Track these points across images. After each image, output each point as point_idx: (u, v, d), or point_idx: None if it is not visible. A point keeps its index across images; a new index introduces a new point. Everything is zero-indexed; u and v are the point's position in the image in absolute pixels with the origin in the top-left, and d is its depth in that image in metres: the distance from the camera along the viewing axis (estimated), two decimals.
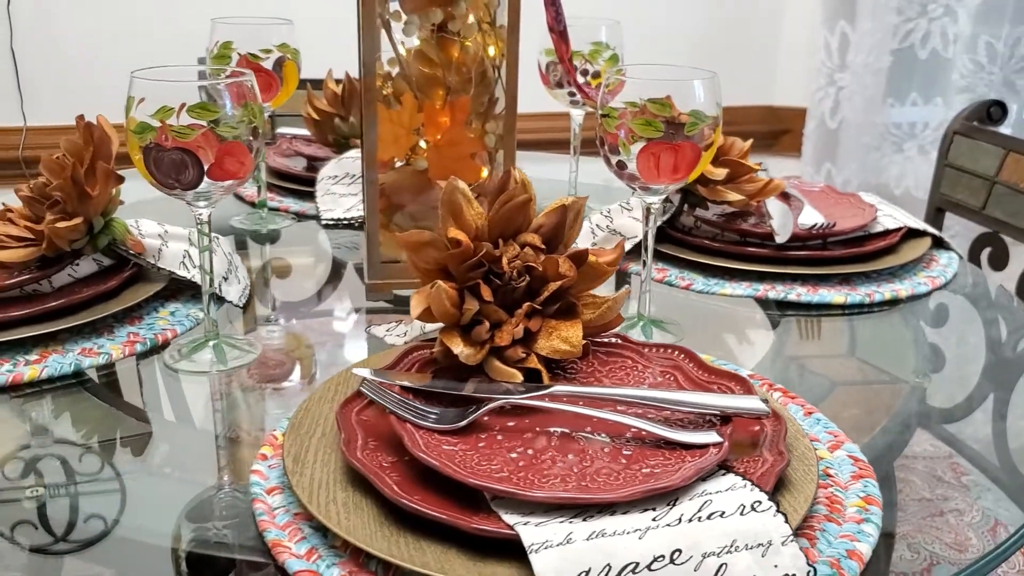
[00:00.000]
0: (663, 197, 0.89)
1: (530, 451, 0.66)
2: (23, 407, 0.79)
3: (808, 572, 0.56)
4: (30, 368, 0.82)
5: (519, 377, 0.72)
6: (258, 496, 0.65)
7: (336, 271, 1.13)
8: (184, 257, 0.97)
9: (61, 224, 0.89)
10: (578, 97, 1.25)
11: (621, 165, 0.86)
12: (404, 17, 0.92)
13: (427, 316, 0.74)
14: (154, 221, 1.02)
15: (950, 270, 1.11)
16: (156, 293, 0.95)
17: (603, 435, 0.68)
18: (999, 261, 1.39)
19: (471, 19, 0.94)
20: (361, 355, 0.91)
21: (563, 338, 0.75)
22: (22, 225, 0.92)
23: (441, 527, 0.59)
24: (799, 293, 1.02)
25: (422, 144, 0.99)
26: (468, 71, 0.96)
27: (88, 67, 2.15)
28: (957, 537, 0.78)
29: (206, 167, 0.77)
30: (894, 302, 1.03)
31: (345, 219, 1.23)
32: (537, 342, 0.75)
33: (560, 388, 0.70)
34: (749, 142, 1.12)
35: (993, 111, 1.46)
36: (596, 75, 1.25)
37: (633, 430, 0.68)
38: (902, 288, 1.05)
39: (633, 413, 0.70)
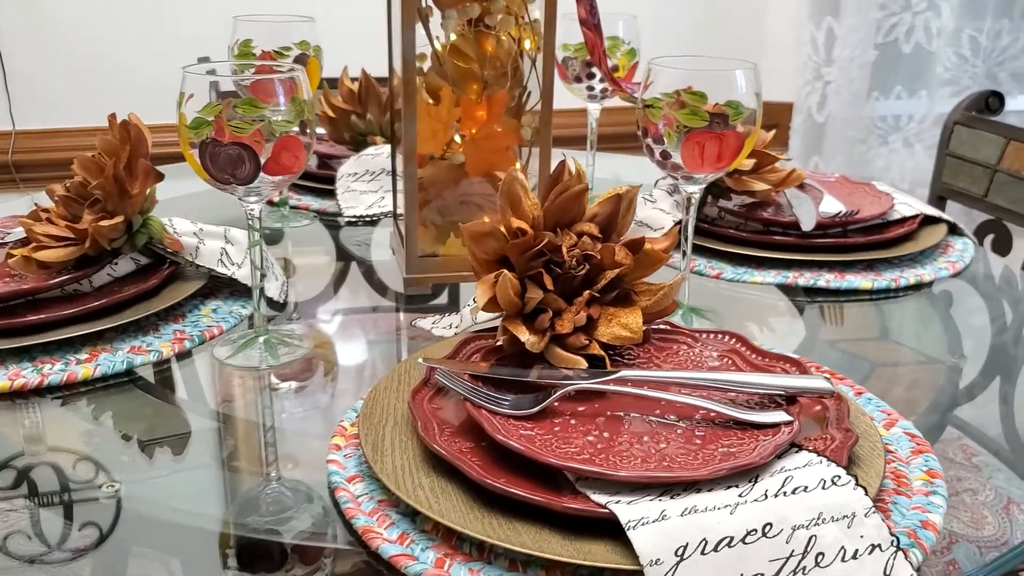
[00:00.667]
0: (704, 186, 0.90)
1: (605, 434, 0.67)
2: (79, 405, 0.79)
3: (892, 541, 0.57)
4: (83, 367, 0.82)
5: (583, 363, 0.73)
6: (340, 485, 0.65)
7: (366, 267, 1.13)
8: (222, 255, 0.97)
9: (104, 223, 0.89)
10: (596, 92, 1.27)
11: (665, 155, 0.87)
12: (442, 12, 0.93)
13: (492, 306, 0.74)
14: (187, 219, 1.02)
15: (967, 255, 1.14)
16: (195, 291, 0.95)
17: (673, 417, 0.69)
18: (1003, 247, 1.42)
19: (507, 13, 0.95)
20: (409, 348, 0.92)
21: (623, 324, 0.76)
22: (62, 225, 0.92)
23: (528, 508, 0.60)
24: (827, 279, 1.04)
25: (456, 139, 0.99)
26: (503, 65, 0.97)
27: (81, 69, 2.12)
28: (974, 516, 0.80)
29: (262, 161, 0.77)
30: (918, 287, 1.05)
31: (367, 216, 1.23)
32: (597, 329, 0.76)
33: (628, 373, 0.72)
34: (772, 132, 1.14)
35: (991, 101, 1.50)
36: (615, 69, 1.26)
37: (702, 411, 0.69)
38: (925, 273, 1.07)
39: (697, 396, 0.71)
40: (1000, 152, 1.42)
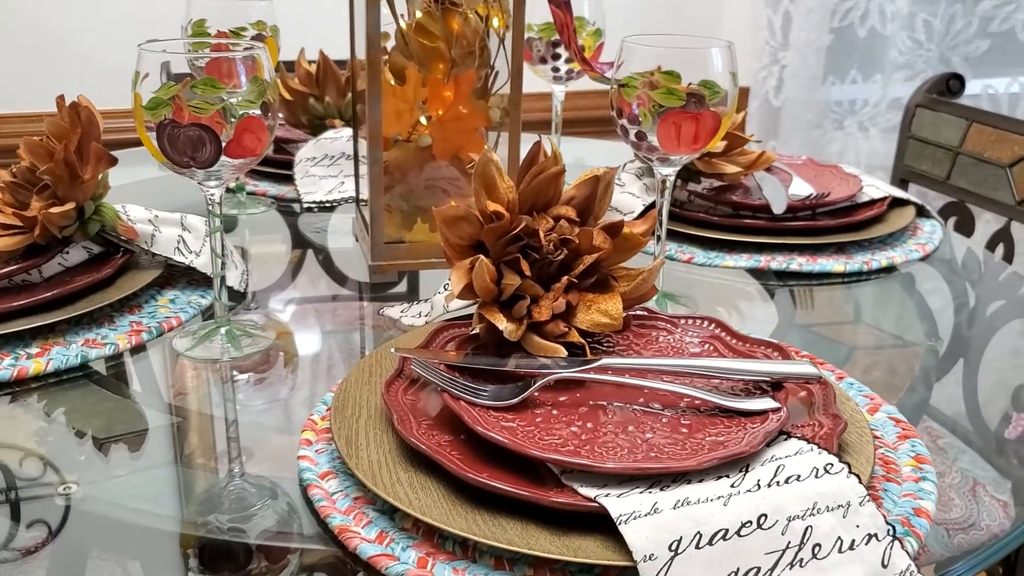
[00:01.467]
0: (678, 168, 0.88)
1: (589, 424, 0.65)
2: (29, 402, 0.75)
3: (888, 530, 0.56)
4: (34, 362, 0.77)
5: (563, 352, 0.71)
6: (312, 482, 0.62)
7: (326, 254, 1.10)
8: (179, 243, 0.93)
9: (55, 210, 0.85)
10: (562, 72, 1.24)
11: (640, 136, 0.85)
12: None
13: (467, 293, 0.72)
14: (141, 206, 0.98)
15: (936, 237, 1.13)
16: (151, 281, 0.91)
17: (657, 406, 0.67)
18: (966, 228, 1.43)
19: None
20: (374, 338, 0.88)
21: (602, 311, 0.73)
22: (8, 212, 0.87)
23: (513, 503, 0.57)
24: (800, 263, 1.03)
25: (422, 120, 0.96)
26: (470, 44, 0.94)
27: (28, 52, 2.04)
28: (941, 498, 0.79)
29: (223, 144, 0.74)
30: (890, 269, 1.05)
31: (327, 201, 1.19)
32: (576, 316, 0.74)
33: (609, 361, 0.69)
34: (743, 114, 1.12)
35: (952, 83, 1.50)
36: (580, 49, 1.24)
37: (687, 399, 0.67)
38: (896, 255, 1.06)
39: (680, 383, 0.69)
40: (963, 134, 1.42)
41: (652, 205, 1.09)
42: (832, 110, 2.40)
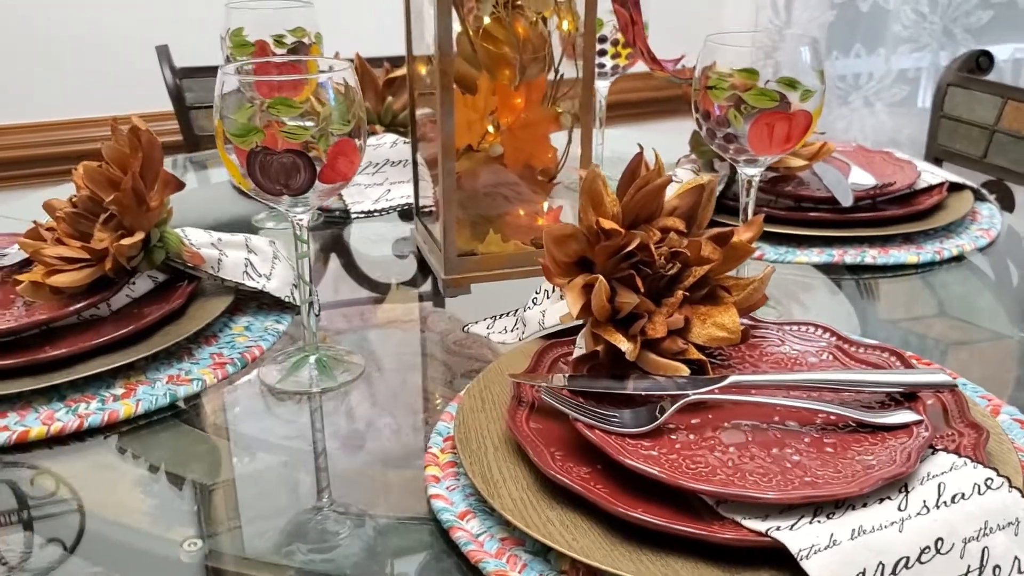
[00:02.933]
0: (764, 168, 0.86)
1: (732, 449, 0.63)
2: (122, 448, 0.71)
3: None
4: (123, 404, 0.74)
5: (685, 370, 0.69)
6: (453, 524, 0.60)
7: (386, 266, 1.07)
8: (246, 266, 0.89)
9: (126, 241, 0.81)
10: (607, 68, 1.21)
11: (729, 138, 0.82)
12: None
13: (584, 313, 0.69)
14: (201, 229, 0.94)
15: (996, 221, 1.12)
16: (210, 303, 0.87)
17: (793, 424, 0.65)
18: (1006, 206, 1.42)
19: None
20: (464, 357, 0.86)
21: (719, 324, 0.71)
22: (74, 245, 0.83)
23: (671, 538, 0.55)
24: (873, 256, 1.01)
25: (490, 129, 0.93)
26: (537, 49, 0.91)
27: (42, 65, 1.98)
28: None
29: (318, 169, 0.71)
30: (960, 257, 1.03)
31: (376, 211, 1.16)
32: (691, 331, 0.71)
33: (739, 378, 0.67)
34: None
35: (981, 61, 1.49)
36: (616, 43, 1.21)
37: (821, 416, 0.66)
38: (964, 243, 1.05)
39: (810, 398, 0.67)
40: (998, 112, 1.41)
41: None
42: (837, 86, 2.39)
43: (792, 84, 0.82)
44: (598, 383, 0.69)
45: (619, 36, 1.22)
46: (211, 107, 1.55)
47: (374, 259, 1.09)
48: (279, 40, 1.07)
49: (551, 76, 0.94)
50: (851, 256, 1.01)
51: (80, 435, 0.72)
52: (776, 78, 0.82)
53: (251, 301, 0.91)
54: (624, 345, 0.68)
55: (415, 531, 0.62)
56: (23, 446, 0.71)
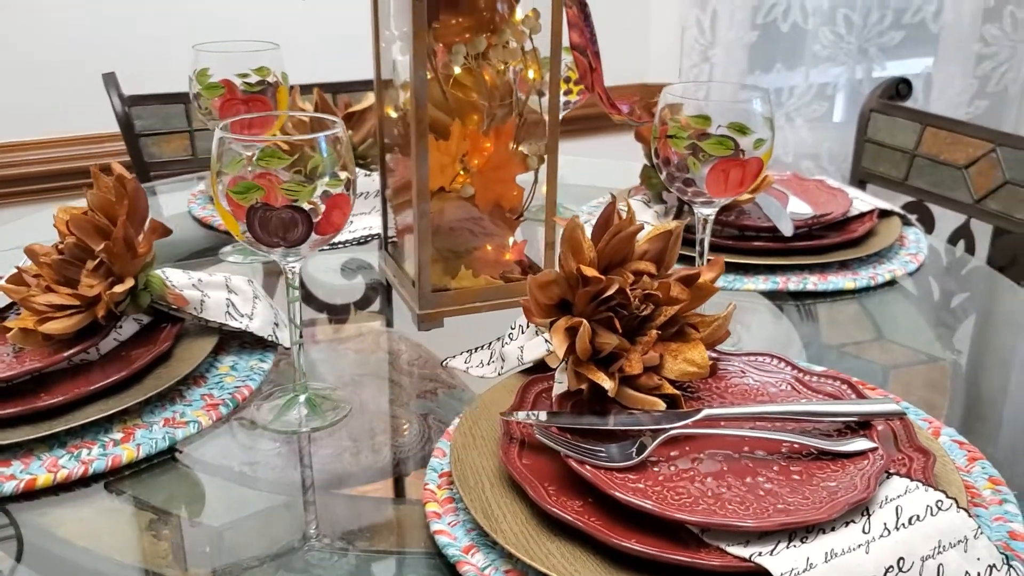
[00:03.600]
0: (718, 208, 0.93)
1: (709, 479, 0.69)
2: (125, 492, 0.74)
3: (1003, 559, 0.62)
4: (124, 449, 0.77)
5: (661, 405, 0.75)
6: (460, 558, 0.65)
7: (357, 299, 1.11)
8: (228, 306, 0.93)
9: (119, 288, 0.84)
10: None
11: (688, 182, 0.89)
12: (447, 48, 0.92)
13: (569, 352, 0.75)
14: (179, 270, 0.97)
15: (923, 245, 1.21)
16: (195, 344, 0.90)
17: (761, 453, 0.72)
18: (927, 227, 1.52)
19: (512, 44, 0.94)
20: (445, 392, 0.90)
21: (689, 360, 0.77)
22: (63, 292, 0.85)
23: (660, 565, 0.61)
24: (814, 282, 1.09)
25: (460, 172, 0.98)
26: (506, 96, 0.96)
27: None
28: None
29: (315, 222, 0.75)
30: (892, 282, 1.12)
31: (351, 241, 1.20)
32: (664, 367, 0.77)
33: (712, 411, 0.73)
34: None
35: (901, 88, 1.59)
36: (567, 80, 1.27)
37: (786, 445, 0.72)
38: (896, 267, 1.13)
39: (775, 429, 0.74)
40: (918, 137, 1.51)
41: None
42: None
43: (742, 129, 0.89)
44: (583, 419, 0.74)
45: (570, 74, 1.28)
46: (160, 134, 1.57)
47: (335, 287, 1.13)
48: (244, 79, 1.10)
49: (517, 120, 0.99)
50: (794, 283, 1.09)
51: (81, 481, 0.75)
52: (727, 123, 0.89)
53: (232, 340, 0.94)
54: (607, 384, 0.73)
55: (421, 565, 0.66)
56: (29, 494, 0.73)
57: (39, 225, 1.31)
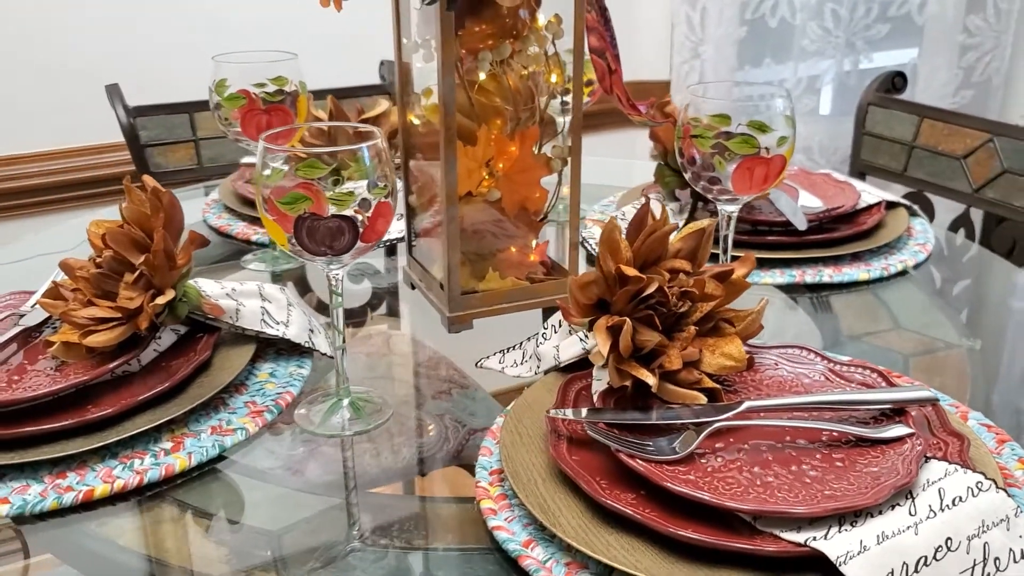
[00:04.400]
0: (740, 206, 0.95)
1: (756, 468, 0.71)
2: (177, 500, 0.75)
3: None
4: (176, 458, 0.78)
5: (702, 399, 0.77)
6: (521, 552, 0.67)
7: (385, 304, 1.12)
8: (263, 314, 0.94)
9: (161, 300, 0.85)
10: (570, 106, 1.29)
11: (714, 181, 0.91)
12: (474, 55, 0.93)
13: (613, 350, 0.77)
14: (211, 280, 0.98)
15: (930, 235, 1.24)
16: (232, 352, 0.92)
17: (803, 442, 0.74)
18: (927, 216, 1.55)
19: (534, 50, 0.96)
20: (463, 394, 0.92)
21: (727, 354, 0.80)
22: (104, 305, 0.87)
23: (718, 553, 0.63)
24: (830, 275, 1.11)
25: (485, 176, 1.00)
26: (529, 100, 0.98)
27: None
28: None
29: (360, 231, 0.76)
30: (903, 272, 1.15)
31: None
32: (703, 361, 0.80)
33: (753, 403, 0.76)
34: None
35: (896, 81, 1.62)
36: (589, 83, 1.29)
37: (825, 433, 0.74)
38: (907, 258, 1.16)
39: (812, 418, 0.76)
40: (915, 129, 1.54)
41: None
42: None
43: (762, 128, 0.91)
44: (627, 415, 0.76)
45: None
46: (166, 144, 1.58)
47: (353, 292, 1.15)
48: (262, 89, 1.11)
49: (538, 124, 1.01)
50: (810, 276, 1.11)
51: (135, 490, 0.76)
52: (747, 122, 0.91)
53: (268, 347, 0.96)
54: (650, 379, 0.75)
55: (480, 561, 0.68)
56: (87, 505, 0.74)
57: (54, 236, 1.32)
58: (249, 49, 1.16)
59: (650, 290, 0.77)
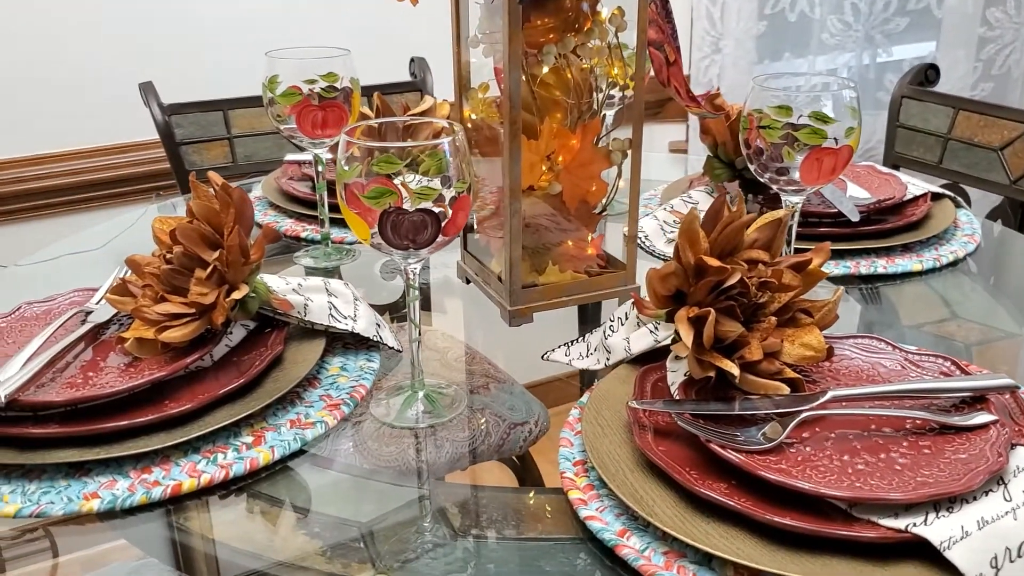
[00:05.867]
0: (805, 196, 0.95)
1: (845, 456, 0.71)
2: (263, 494, 0.76)
3: None
4: (260, 452, 0.78)
5: (786, 389, 0.77)
6: (618, 542, 0.67)
7: (440, 298, 1.13)
8: (331, 309, 0.94)
9: (236, 295, 0.85)
10: (615, 100, 1.29)
11: (781, 172, 0.91)
12: (538, 50, 0.94)
13: (696, 341, 0.77)
14: (275, 276, 0.98)
15: (976, 226, 1.24)
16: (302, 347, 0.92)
17: (888, 430, 0.74)
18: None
19: (596, 43, 0.96)
20: (500, 388, 0.92)
21: (806, 344, 0.80)
22: (176, 301, 0.87)
23: (813, 539, 0.64)
24: (884, 266, 1.12)
25: (544, 170, 1.00)
26: (588, 93, 0.98)
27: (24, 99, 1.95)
28: None
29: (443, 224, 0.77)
30: (955, 262, 1.15)
31: None
32: (783, 352, 0.80)
33: (838, 392, 0.76)
34: None
35: (929, 73, 1.62)
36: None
37: (909, 421, 0.75)
38: (957, 248, 1.17)
39: (893, 405, 0.77)
40: (951, 121, 1.55)
41: None
42: None
43: (825, 119, 0.91)
44: (710, 406, 0.76)
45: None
46: (201, 142, 1.58)
47: (375, 288, 1.15)
48: (312, 85, 1.11)
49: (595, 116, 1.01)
50: (864, 267, 1.12)
51: (218, 485, 0.76)
52: (808, 113, 0.92)
53: (335, 342, 0.96)
54: (735, 370, 0.76)
55: (573, 551, 0.69)
56: (172, 500, 0.75)
57: (89, 232, 1.32)
58: (295, 46, 1.16)
59: (731, 281, 0.77)
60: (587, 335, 0.95)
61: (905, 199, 1.24)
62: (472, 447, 0.84)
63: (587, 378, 0.93)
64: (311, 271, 1.18)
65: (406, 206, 0.76)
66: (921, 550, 0.62)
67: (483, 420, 0.88)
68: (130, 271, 0.92)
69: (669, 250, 1.19)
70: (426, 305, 1.16)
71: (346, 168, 0.77)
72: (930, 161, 1.59)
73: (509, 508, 0.75)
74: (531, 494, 0.77)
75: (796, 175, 0.91)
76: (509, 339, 1.01)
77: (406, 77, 1.88)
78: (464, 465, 0.82)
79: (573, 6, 0.95)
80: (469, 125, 1.04)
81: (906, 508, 0.65)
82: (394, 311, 1.10)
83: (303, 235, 1.25)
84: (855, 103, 0.91)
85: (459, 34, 1.02)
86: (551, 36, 0.96)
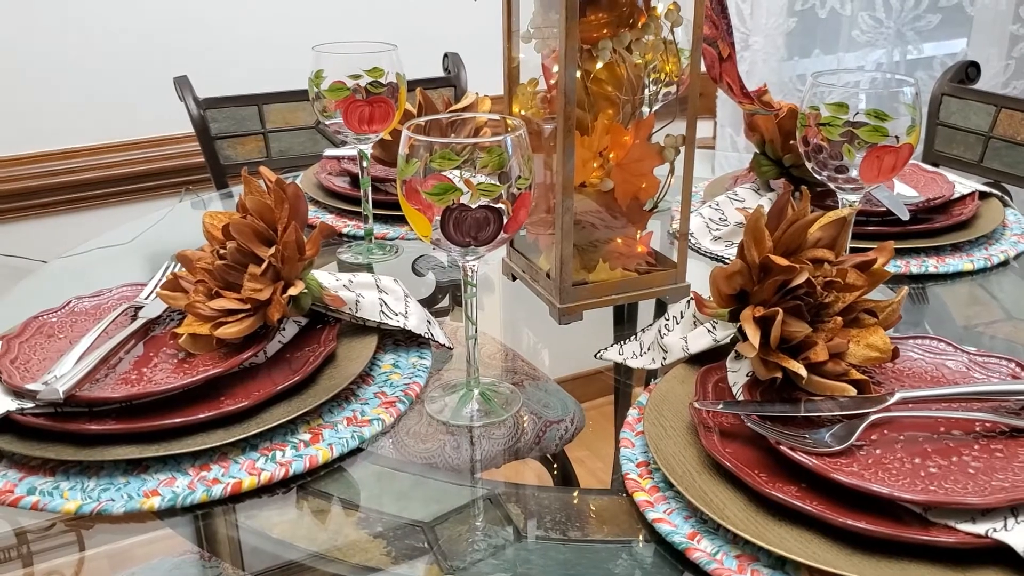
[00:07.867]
0: (864, 194, 0.94)
1: (916, 460, 0.70)
2: (322, 492, 0.75)
3: None
4: (319, 450, 0.78)
5: (852, 391, 0.76)
6: (689, 545, 0.66)
7: (432, 296, 1.12)
8: (382, 306, 0.93)
9: (292, 291, 0.85)
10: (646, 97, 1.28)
11: (841, 169, 0.90)
12: (593, 46, 0.93)
13: (762, 342, 0.76)
14: (325, 272, 0.98)
15: None
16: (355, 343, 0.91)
17: (958, 433, 0.73)
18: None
19: (649, 38, 0.95)
20: (535, 385, 0.92)
21: (871, 345, 0.79)
22: (231, 297, 0.86)
23: (886, 543, 0.63)
24: (935, 265, 1.11)
25: (594, 165, 0.99)
26: (640, 89, 0.97)
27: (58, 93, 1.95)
28: None
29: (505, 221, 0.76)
30: (1005, 263, 1.14)
31: None
32: (848, 352, 0.79)
33: (905, 393, 0.75)
34: None
35: (970, 71, 1.60)
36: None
37: (979, 423, 0.74)
38: (1007, 248, 1.15)
39: (961, 408, 0.75)
40: (992, 120, 1.53)
41: None
42: (798, 89, 2.52)
43: (883, 116, 0.90)
44: (775, 407, 0.75)
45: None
46: (236, 136, 1.57)
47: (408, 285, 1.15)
48: (356, 80, 1.10)
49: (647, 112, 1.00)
50: (915, 266, 1.10)
51: (278, 483, 0.75)
52: (865, 111, 0.91)
53: (386, 339, 0.95)
54: (802, 371, 0.75)
55: (641, 553, 0.68)
56: (234, 497, 0.74)
57: (124, 227, 1.32)
58: (336, 41, 1.15)
59: (798, 280, 0.76)
60: (639, 333, 0.94)
61: (953, 198, 1.23)
62: (510, 445, 0.83)
63: (624, 372, 0.92)
64: (351, 267, 1.17)
65: (464, 201, 0.75)
66: (1000, 555, 0.61)
67: (525, 418, 0.88)
68: (180, 266, 0.92)
69: (715, 248, 1.18)
70: (458, 301, 1.15)
71: (406, 164, 0.76)
72: (971, 159, 1.58)
73: (572, 510, 0.74)
74: (591, 496, 0.76)
75: (855, 173, 0.90)
76: (544, 335, 1.00)
77: (439, 72, 1.87)
78: (499, 463, 0.81)
79: (628, 1, 0.94)
80: (529, 119, 1.03)
81: (983, 513, 0.64)
82: (427, 307, 1.09)
83: (344, 231, 1.24)
84: (914, 100, 0.90)
85: (510, 29, 1.01)
86: (605, 31, 0.95)
